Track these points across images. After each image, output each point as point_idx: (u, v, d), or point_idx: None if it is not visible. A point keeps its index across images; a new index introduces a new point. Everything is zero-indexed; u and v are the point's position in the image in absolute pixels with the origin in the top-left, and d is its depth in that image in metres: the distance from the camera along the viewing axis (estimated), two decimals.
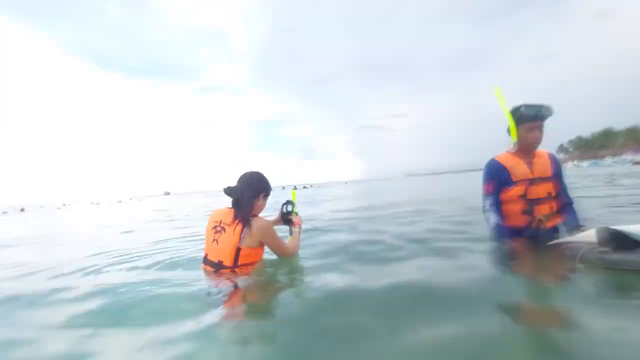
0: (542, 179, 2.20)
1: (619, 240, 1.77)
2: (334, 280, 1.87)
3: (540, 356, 1.10)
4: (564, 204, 2.28)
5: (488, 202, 2.28)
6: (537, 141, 2.16)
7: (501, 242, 2.20)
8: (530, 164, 2.22)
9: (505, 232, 2.20)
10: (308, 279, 2.00)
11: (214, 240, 1.99)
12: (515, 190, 2.20)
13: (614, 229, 1.80)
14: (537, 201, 2.18)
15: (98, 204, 45.93)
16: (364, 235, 3.23)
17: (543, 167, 2.22)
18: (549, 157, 2.28)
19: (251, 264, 1.99)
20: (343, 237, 3.15)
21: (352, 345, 1.17)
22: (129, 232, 5.21)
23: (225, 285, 1.80)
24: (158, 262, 2.59)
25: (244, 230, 1.92)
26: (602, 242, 1.82)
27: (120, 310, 1.58)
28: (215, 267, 1.96)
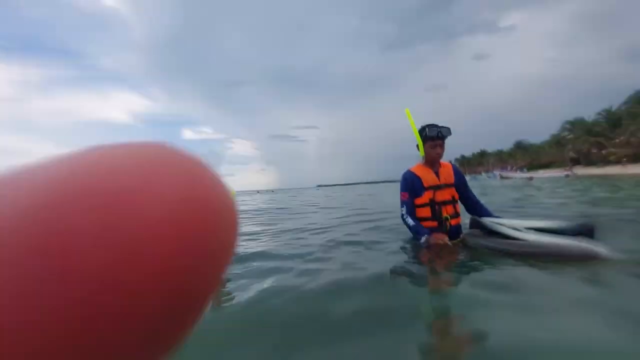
0: (447, 185, 2.57)
1: (484, 228, 2.36)
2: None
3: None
4: (474, 203, 2.68)
5: (404, 208, 2.61)
6: (439, 156, 2.54)
7: (421, 237, 2.45)
8: (437, 173, 2.59)
9: (424, 229, 2.49)
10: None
11: None
12: (426, 195, 2.56)
13: (479, 219, 2.42)
14: (443, 203, 2.54)
15: None
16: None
17: (447, 175, 2.60)
18: (452, 167, 2.68)
19: None
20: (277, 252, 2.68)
21: None
22: None
23: None
24: None
25: None
26: (472, 228, 2.49)
27: None
28: None
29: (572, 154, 60.79)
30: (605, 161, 53.27)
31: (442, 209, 2.53)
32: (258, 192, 70.70)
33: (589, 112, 64.34)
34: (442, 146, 2.53)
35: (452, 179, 2.60)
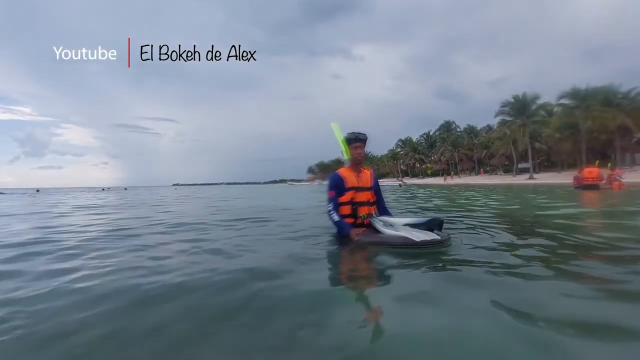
0: (365, 188, 2.98)
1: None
2: None
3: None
4: (382, 206, 3.14)
5: (331, 205, 2.92)
6: (360, 156, 2.97)
7: (344, 231, 2.84)
8: (358, 176, 2.97)
9: (346, 225, 2.86)
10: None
11: None
12: (347, 195, 2.92)
13: (372, 219, 2.87)
14: (361, 204, 2.94)
15: None
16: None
17: (366, 179, 3.01)
18: (371, 173, 3.09)
19: None
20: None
21: None
22: None
23: None
24: None
25: None
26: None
27: None
28: None
29: (402, 167, 74.61)
30: (424, 174, 67.75)
31: (359, 208, 2.92)
32: (103, 189, 56.11)
33: (416, 134, 79.96)
34: (362, 148, 2.98)
35: (369, 183, 3.02)
